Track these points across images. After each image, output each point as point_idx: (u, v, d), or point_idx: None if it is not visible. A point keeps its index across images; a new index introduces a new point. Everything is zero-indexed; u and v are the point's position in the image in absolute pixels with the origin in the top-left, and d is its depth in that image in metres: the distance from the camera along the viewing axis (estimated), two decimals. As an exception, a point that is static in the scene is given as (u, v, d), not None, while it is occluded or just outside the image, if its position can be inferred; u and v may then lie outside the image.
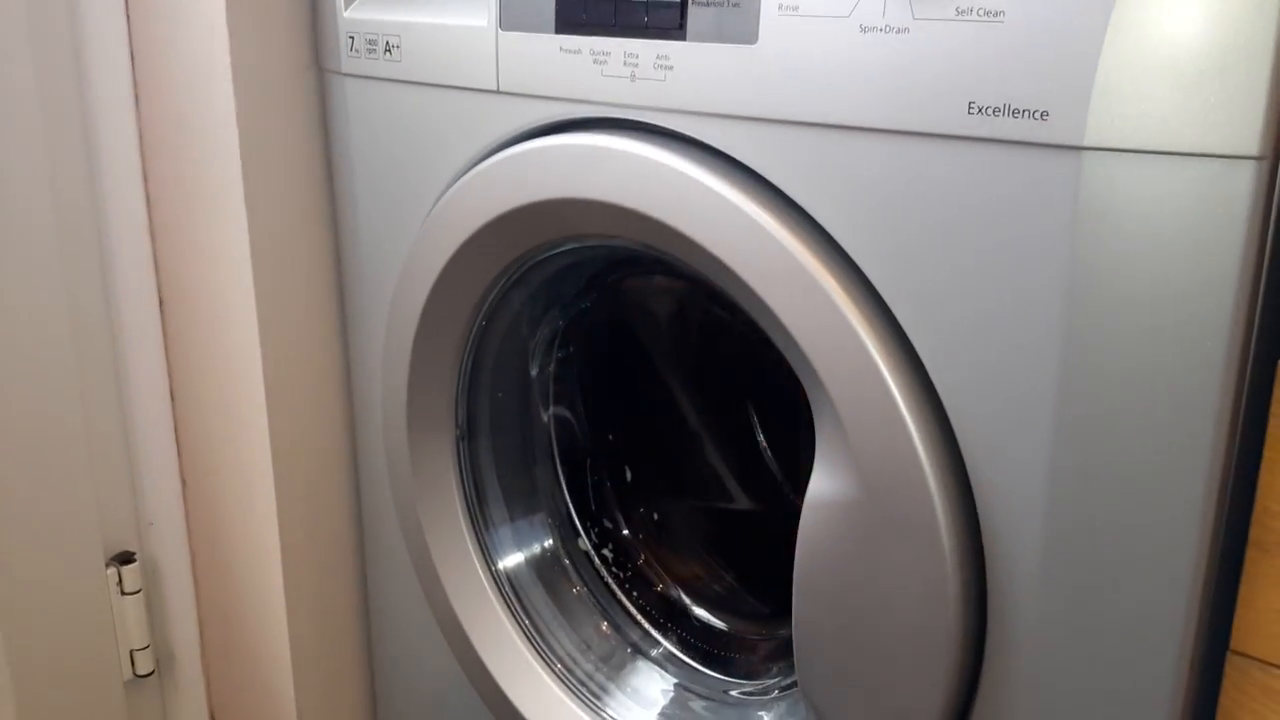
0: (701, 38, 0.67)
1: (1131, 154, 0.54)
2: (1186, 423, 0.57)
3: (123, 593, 1.13)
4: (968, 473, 0.63)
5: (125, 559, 1.13)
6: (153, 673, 1.17)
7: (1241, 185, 0.53)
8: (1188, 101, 0.53)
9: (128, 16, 0.99)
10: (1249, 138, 0.52)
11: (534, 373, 0.94)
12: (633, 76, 0.71)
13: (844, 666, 0.69)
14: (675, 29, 0.68)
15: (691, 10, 0.67)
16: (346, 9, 0.88)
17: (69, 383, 1.04)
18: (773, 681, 0.85)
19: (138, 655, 1.15)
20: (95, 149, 1.02)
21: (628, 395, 0.99)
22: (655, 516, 0.99)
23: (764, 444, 0.97)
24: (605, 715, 0.87)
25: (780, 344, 0.68)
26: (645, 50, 0.70)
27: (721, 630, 0.93)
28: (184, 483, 1.13)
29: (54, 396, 1.03)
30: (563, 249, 0.82)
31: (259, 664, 1.13)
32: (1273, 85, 0.51)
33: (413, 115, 0.86)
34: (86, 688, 1.12)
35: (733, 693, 0.87)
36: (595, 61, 0.72)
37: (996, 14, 0.56)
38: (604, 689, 0.89)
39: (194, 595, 1.17)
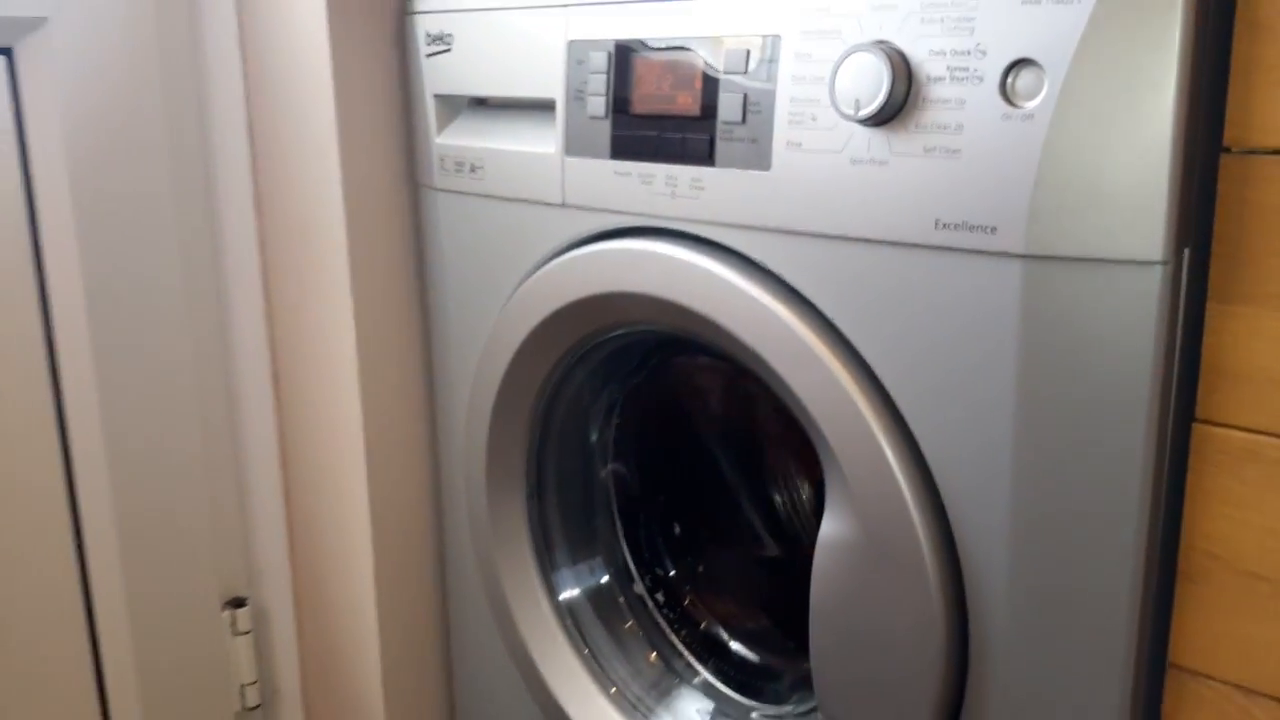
0: (727, 165, 0.82)
1: (1061, 260, 0.68)
2: (1120, 475, 0.69)
3: (235, 633, 1.25)
4: (949, 519, 0.76)
5: (238, 603, 1.25)
6: (259, 706, 1.29)
7: (1150, 284, 0.66)
8: (1103, 218, 0.66)
9: (250, 136, 1.15)
10: (1154, 246, 0.66)
11: (593, 438, 1.08)
12: (673, 194, 0.86)
13: (853, 681, 0.82)
14: (706, 158, 0.83)
15: (719, 144, 0.82)
16: (439, 135, 1.03)
17: (195, 449, 1.17)
18: (789, 709, 0.98)
19: (247, 690, 1.27)
20: (221, 249, 1.17)
21: (675, 458, 1.13)
22: (700, 564, 1.12)
23: (792, 499, 1.10)
24: (651, 733, 1.00)
25: (795, 411, 0.82)
26: (682, 174, 0.85)
27: (753, 662, 1.06)
28: (291, 536, 1.26)
29: (182, 462, 1.17)
30: (617, 333, 0.96)
31: (354, 699, 1.24)
32: (1170, 203, 0.65)
33: (492, 223, 1.00)
34: (204, 718, 1.25)
35: (755, 715, 1.00)
36: (643, 182, 0.87)
37: (955, 151, 0.70)
38: (651, 710, 1.02)
39: (297, 636, 1.29)
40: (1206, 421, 0.70)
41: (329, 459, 1.18)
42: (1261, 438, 0.67)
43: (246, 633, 1.26)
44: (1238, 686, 0.71)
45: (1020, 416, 0.72)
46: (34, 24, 1.03)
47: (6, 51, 1.04)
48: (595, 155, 0.90)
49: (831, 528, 0.81)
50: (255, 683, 1.28)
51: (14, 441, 1.10)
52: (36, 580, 1.13)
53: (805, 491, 1.09)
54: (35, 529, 1.12)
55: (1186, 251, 0.67)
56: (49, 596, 1.14)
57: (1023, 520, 0.73)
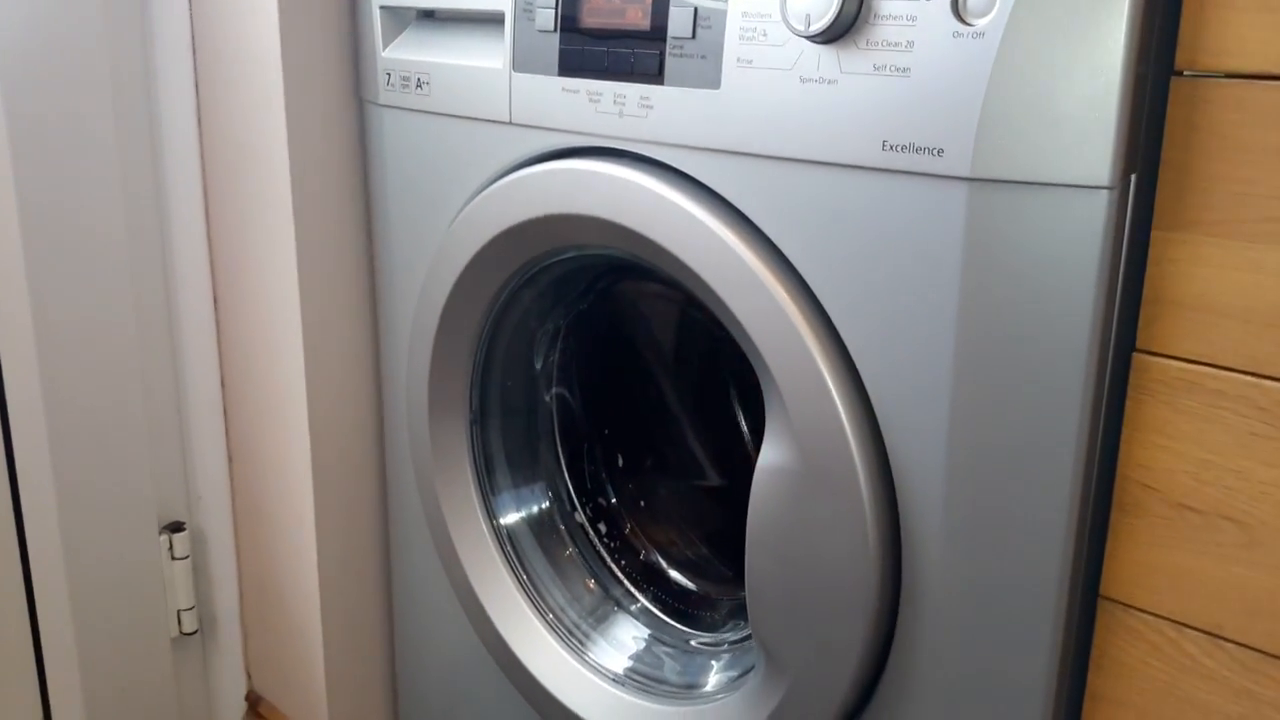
0: (676, 83, 0.80)
1: (1008, 184, 0.67)
2: (1058, 405, 0.69)
3: (173, 558, 1.25)
4: (886, 447, 0.76)
5: (176, 528, 1.25)
6: (196, 631, 1.29)
7: (1096, 210, 0.66)
8: (1051, 142, 0.65)
9: (193, 48, 1.13)
10: (1101, 171, 0.65)
11: (538, 365, 1.07)
12: (620, 113, 0.84)
13: (786, 607, 0.81)
14: (655, 75, 0.81)
15: (668, 60, 0.80)
16: (385, 49, 1.01)
17: (131, 371, 1.16)
18: (725, 635, 0.98)
19: (184, 615, 1.27)
20: (162, 168, 1.15)
21: (621, 386, 1.12)
22: (643, 494, 1.11)
23: (736, 429, 1.10)
24: (587, 659, 0.99)
25: (738, 338, 0.81)
26: (631, 92, 0.83)
27: (691, 590, 1.06)
28: (230, 461, 1.26)
29: (118, 383, 1.15)
30: (564, 256, 0.95)
31: (292, 625, 1.25)
32: (1118, 129, 0.64)
33: (438, 141, 0.99)
34: (138, 643, 1.24)
35: (692, 642, 1.00)
36: (590, 100, 0.86)
37: (904, 69, 0.69)
38: (587, 636, 1.01)
39: (235, 562, 1.29)
40: (1146, 351, 0.69)
41: (269, 382, 1.17)
42: (1200, 368, 0.67)
43: (184, 558, 1.26)
44: (1169, 619, 0.72)
45: (961, 343, 0.71)
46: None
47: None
48: (543, 71, 0.88)
49: (770, 454, 0.80)
50: (192, 608, 1.29)
51: (-58, 355, 1.07)
52: (-35, 498, 1.11)
53: (747, 420, 1.09)
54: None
55: (1133, 177, 0.66)
56: (-22, 515, 1.13)
57: (959, 448, 0.73)
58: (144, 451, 1.20)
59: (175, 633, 1.28)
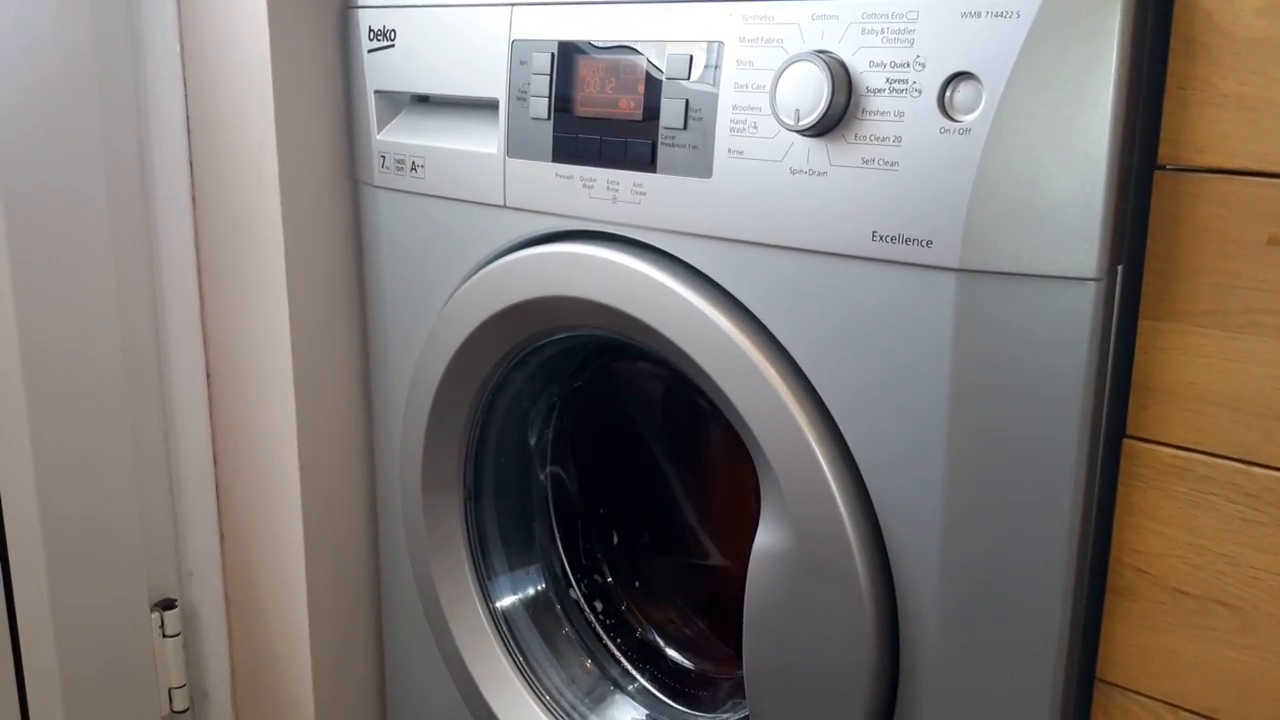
0: (668, 171, 0.81)
1: (996, 275, 0.68)
2: (1051, 488, 0.70)
3: (164, 635, 1.23)
4: (880, 528, 0.76)
5: (168, 605, 1.23)
6: (188, 709, 1.27)
7: (1084, 300, 0.67)
8: (1038, 234, 0.67)
9: (188, 128, 1.14)
10: (1088, 263, 0.66)
11: (532, 442, 1.07)
12: (614, 199, 0.85)
13: (785, 688, 0.81)
14: (648, 163, 0.82)
15: (661, 150, 0.81)
16: (379, 132, 1.02)
17: (124, 446, 1.15)
18: (724, 716, 0.98)
19: (175, 693, 1.25)
20: (155, 243, 1.15)
21: (616, 463, 1.12)
22: (638, 571, 1.11)
23: (731, 505, 1.10)
24: (585, 742, 0.99)
25: (731, 419, 0.81)
26: (624, 179, 0.84)
27: (689, 669, 1.05)
28: (223, 537, 1.24)
29: (110, 459, 1.15)
30: (557, 336, 0.95)
31: (284, 704, 1.23)
32: (1104, 222, 0.65)
33: (433, 223, 0.99)
34: None
35: (688, 722, 1.00)
36: (584, 185, 0.87)
37: (892, 163, 0.70)
38: (585, 718, 1.01)
39: (227, 639, 1.27)
40: (1136, 437, 0.70)
41: (262, 459, 1.17)
42: (1190, 454, 0.68)
43: (175, 635, 1.25)
44: (1165, 703, 0.72)
45: (953, 429, 0.72)
46: (-36, 11, 1.00)
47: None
48: (537, 157, 0.89)
49: (766, 537, 0.80)
50: (184, 686, 1.27)
51: (-66, 436, 1.07)
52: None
53: (750, 498, 1.09)
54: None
55: (1120, 268, 0.67)
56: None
57: (954, 532, 0.73)
58: (135, 528, 1.19)
59: (166, 710, 1.26)
